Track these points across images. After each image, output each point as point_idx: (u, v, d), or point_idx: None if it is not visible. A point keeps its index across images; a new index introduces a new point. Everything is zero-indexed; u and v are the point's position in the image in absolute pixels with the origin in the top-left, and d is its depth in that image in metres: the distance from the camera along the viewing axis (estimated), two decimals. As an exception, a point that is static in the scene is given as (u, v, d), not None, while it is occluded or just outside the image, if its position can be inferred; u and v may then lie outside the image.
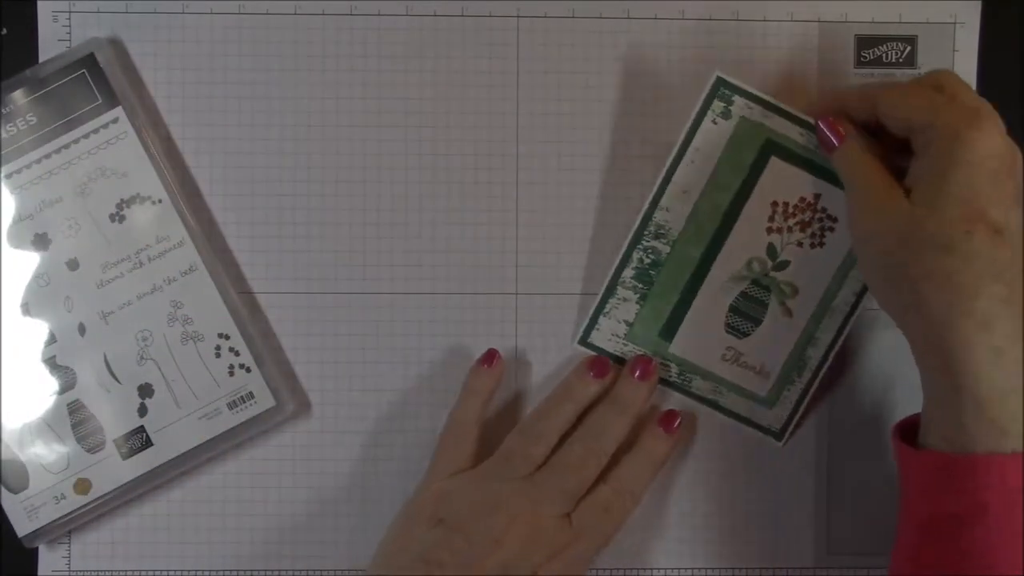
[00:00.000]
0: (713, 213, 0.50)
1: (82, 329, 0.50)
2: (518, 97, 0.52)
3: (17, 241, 0.49)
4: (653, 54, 0.52)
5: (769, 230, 0.50)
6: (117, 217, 0.50)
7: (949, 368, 0.41)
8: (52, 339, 0.50)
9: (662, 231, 0.50)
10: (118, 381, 0.50)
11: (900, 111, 0.44)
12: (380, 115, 0.52)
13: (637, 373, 0.49)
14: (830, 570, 0.52)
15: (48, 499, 0.49)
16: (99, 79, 0.49)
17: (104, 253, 0.50)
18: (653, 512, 0.52)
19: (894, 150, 0.46)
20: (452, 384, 0.52)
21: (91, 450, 0.50)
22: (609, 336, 0.51)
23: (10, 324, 0.49)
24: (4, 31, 0.51)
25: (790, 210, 0.50)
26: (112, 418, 0.50)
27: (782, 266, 0.50)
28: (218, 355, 0.50)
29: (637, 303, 0.50)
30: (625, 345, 0.51)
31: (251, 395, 0.50)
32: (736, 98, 0.49)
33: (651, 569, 0.52)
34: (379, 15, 0.51)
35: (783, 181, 0.49)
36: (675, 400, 0.51)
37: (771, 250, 0.50)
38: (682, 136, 0.50)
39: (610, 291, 0.50)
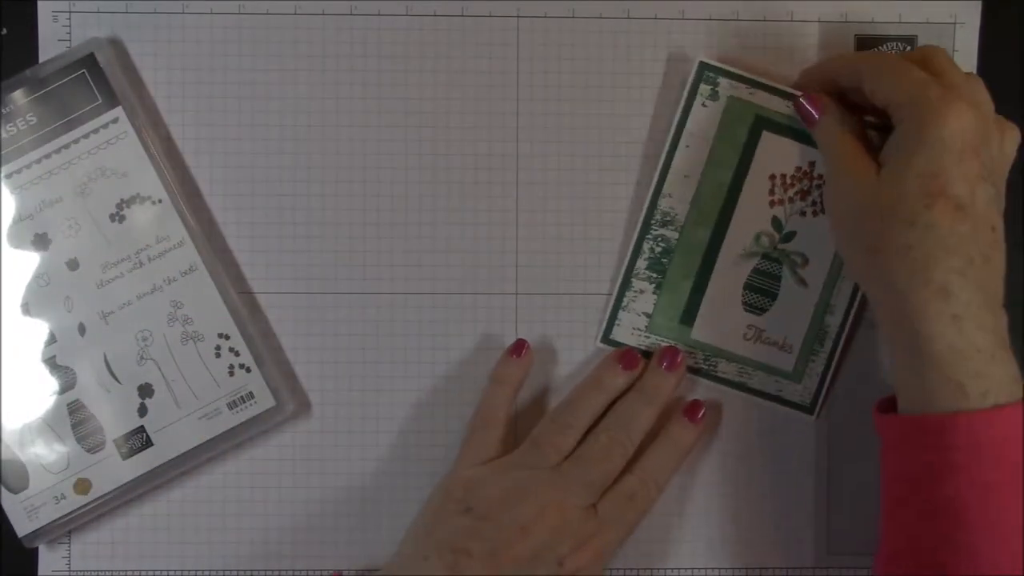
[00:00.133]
0: (715, 193, 0.51)
1: (82, 329, 0.50)
2: (518, 97, 0.52)
3: (17, 241, 0.49)
4: (653, 54, 0.52)
5: (771, 203, 0.51)
6: (117, 217, 0.50)
7: (909, 333, 0.43)
8: (52, 339, 0.50)
9: (668, 218, 0.51)
10: (118, 381, 0.50)
11: (881, 86, 0.45)
12: (380, 115, 0.52)
13: (665, 364, 0.50)
14: (830, 570, 0.52)
15: (48, 499, 0.49)
16: (99, 79, 0.49)
17: (104, 253, 0.50)
18: (652, 512, 0.52)
19: (877, 121, 0.47)
20: (452, 383, 0.52)
21: (91, 450, 0.50)
22: (631, 330, 0.51)
23: (10, 324, 0.49)
24: (4, 31, 0.51)
25: (788, 181, 0.51)
26: (112, 418, 0.50)
27: (789, 237, 0.51)
28: (218, 355, 0.50)
29: (654, 293, 0.51)
30: (648, 337, 0.51)
31: (251, 395, 0.50)
32: (721, 79, 0.50)
33: (651, 569, 0.52)
34: (379, 15, 0.51)
35: (777, 154, 0.51)
36: (702, 387, 0.51)
37: (776, 223, 0.51)
38: (675, 121, 0.51)
39: (626, 284, 0.51)
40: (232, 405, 0.50)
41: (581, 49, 0.52)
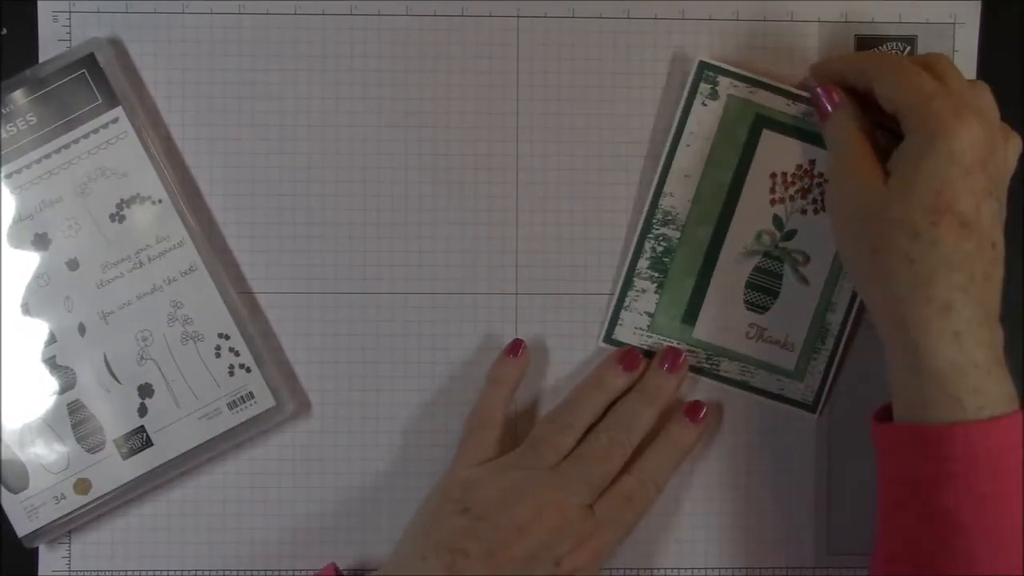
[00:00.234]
0: (716, 192, 0.51)
1: (82, 329, 0.50)
2: (518, 97, 0.52)
3: (17, 241, 0.49)
4: (653, 54, 0.52)
5: (772, 201, 0.51)
6: (117, 217, 0.50)
7: (908, 344, 0.43)
8: (52, 339, 0.50)
9: (669, 217, 0.51)
10: (118, 381, 0.50)
11: (890, 92, 0.45)
12: (380, 115, 0.52)
13: (667, 365, 0.50)
14: (830, 570, 0.52)
15: (48, 499, 0.49)
16: (99, 79, 0.49)
17: (104, 253, 0.50)
18: (652, 512, 0.52)
19: (885, 124, 0.47)
20: (452, 383, 0.52)
21: (91, 450, 0.50)
22: (633, 330, 0.51)
23: (10, 324, 0.49)
24: (4, 31, 0.51)
25: (789, 179, 0.51)
26: (112, 418, 0.50)
27: (790, 235, 0.51)
28: (218, 355, 0.50)
29: (656, 292, 0.51)
30: (650, 336, 0.51)
31: (251, 395, 0.50)
32: (721, 79, 0.51)
33: (651, 569, 0.52)
34: (379, 15, 0.51)
35: (778, 152, 0.51)
36: (704, 386, 0.51)
37: (777, 221, 0.51)
38: (675, 121, 0.51)
39: (627, 284, 0.51)
40: (232, 405, 0.50)
41: (581, 49, 0.52)
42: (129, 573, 0.51)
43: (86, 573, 0.51)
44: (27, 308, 0.49)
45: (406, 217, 0.52)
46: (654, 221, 0.51)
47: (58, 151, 0.49)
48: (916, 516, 0.43)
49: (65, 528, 0.50)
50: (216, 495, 0.52)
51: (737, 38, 0.52)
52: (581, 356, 0.52)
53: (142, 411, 0.50)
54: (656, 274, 0.51)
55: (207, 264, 0.50)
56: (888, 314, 0.44)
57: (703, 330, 0.51)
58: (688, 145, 0.51)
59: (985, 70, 0.52)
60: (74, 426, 0.50)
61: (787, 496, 0.52)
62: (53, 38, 0.51)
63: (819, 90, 0.48)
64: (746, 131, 0.51)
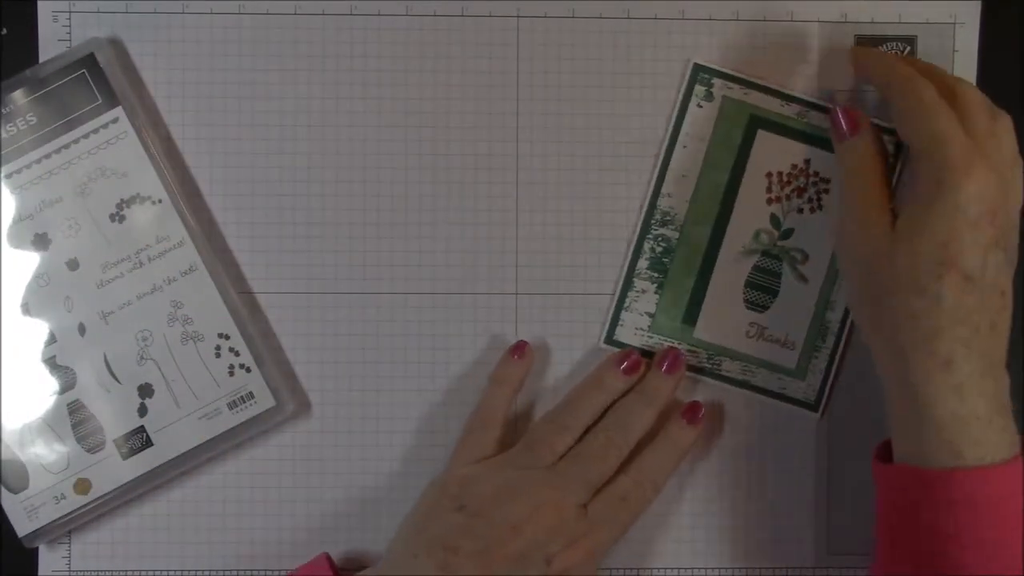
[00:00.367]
0: (713, 192, 0.51)
1: (82, 329, 0.50)
2: (518, 97, 0.52)
3: (17, 241, 0.49)
4: (653, 54, 0.52)
5: (769, 201, 0.51)
6: (117, 217, 0.50)
7: (910, 392, 0.43)
8: (52, 339, 0.50)
9: (668, 217, 0.51)
10: (118, 381, 0.50)
11: (907, 129, 0.44)
12: (380, 115, 0.52)
13: (666, 366, 0.50)
14: (830, 570, 0.52)
15: (48, 499, 0.49)
16: (99, 79, 0.49)
17: (104, 253, 0.50)
18: (652, 512, 0.52)
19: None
20: (452, 383, 0.52)
21: (91, 450, 0.50)
22: (634, 331, 0.51)
23: (10, 324, 0.49)
24: (4, 31, 0.51)
25: (784, 179, 0.51)
26: (112, 418, 0.50)
27: (788, 234, 0.51)
28: (218, 355, 0.50)
29: (656, 292, 0.51)
30: (651, 337, 0.51)
31: (251, 395, 0.50)
32: (715, 80, 0.51)
33: (651, 569, 0.52)
34: (379, 15, 0.51)
35: (773, 152, 0.51)
36: (705, 386, 0.51)
37: (774, 220, 0.51)
38: (671, 122, 0.51)
39: (627, 285, 0.51)
40: (232, 405, 0.50)
41: (581, 49, 0.52)
42: (129, 573, 0.51)
43: (86, 573, 0.51)
44: (27, 308, 0.49)
45: (406, 217, 0.52)
46: (653, 222, 0.51)
47: (58, 151, 0.49)
48: (916, 548, 0.43)
49: (65, 528, 0.50)
50: (216, 495, 0.52)
51: (737, 38, 0.52)
52: (581, 356, 0.52)
53: (142, 411, 0.50)
54: (656, 274, 0.51)
55: (207, 264, 0.50)
56: (890, 361, 0.44)
57: (704, 330, 0.51)
58: (684, 146, 0.51)
59: (985, 70, 0.52)
60: (74, 426, 0.50)
61: (787, 496, 0.52)
62: (53, 38, 0.51)
63: (840, 111, 0.48)
64: (741, 132, 0.51)
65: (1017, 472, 0.42)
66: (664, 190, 0.51)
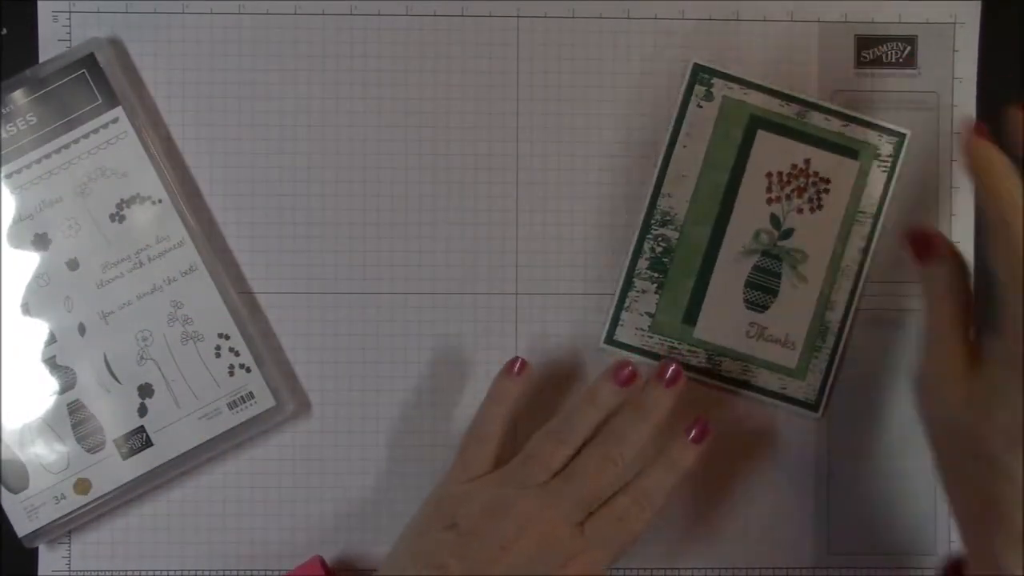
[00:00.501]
0: (713, 192, 0.51)
1: (82, 329, 0.50)
2: (518, 97, 0.52)
3: (17, 241, 0.49)
4: (653, 54, 0.52)
5: (769, 200, 0.51)
6: (117, 217, 0.50)
7: (988, 559, 0.41)
8: (52, 339, 0.50)
9: (668, 217, 0.51)
10: (118, 381, 0.50)
11: (996, 254, 0.42)
12: (380, 115, 0.52)
13: (664, 379, 0.48)
14: (830, 570, 0.52)
15: (48, 499, 0.49)
16: (99, 79, 0.49)
17: (104, 253, 0.50)
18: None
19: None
20: (452, 384, 0.52)
21: (91, 450, 0.50)
22: (634, 331, 0.51)
23: (10, 324, 0.49)
24: (4, 31, 0.51)
25: (784, 179, 0.51)
26: (112, 418, 0.50)
27: (787, 234, 0.51)
28: (218, 355, 0.50)
29: (656, 293, 0.51)
30: (651, 337, 0.51)
31: (251, 395, 0.50)
32: (716, 80, 0.51)
33: (650, 569, 0.52)
34: (379, 15, 0.52)
35: (773, 152, 0.51)
36: (706, 387, 0.51)
37: (774, 220, 0.51)
38: (671, 122, 0.51)
39: (628, 285, 0.51)
40: (232, 405, 0.50)
41: (581, 49, 0.52)
42: (129, 573, 0.51)
43: (86, 573, 0.51)
44: (27, 308, 0.49)
45: (406, 217, 0.52)
46: (653, 222, 0.51)
47: (58, 151, 0.49)
48: None
49: (65, 528, 0.50)
50: (216, 495, 0.52)
51: (737, 38, 0.52)
52: (582, 356, 0.52)
53: (142, 411, 0.50)
54: (656, 274, 0.51)
55: (207, 264, 0.50)
56: (964, 518, 0.43)
57: (704, 330, 0.51)
58: (684, 146, 0.51)
59: (985, 70, 0.52)
60: (74, 426, 0.50)
61: (787, 496, 0.52)
62: (53, 38, 0.51)
63: (913, 233, 0.45)
64: (741, 131, 0.51)
65: None
66: (664, 190, 0.51)
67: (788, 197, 0.51)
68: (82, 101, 0.49)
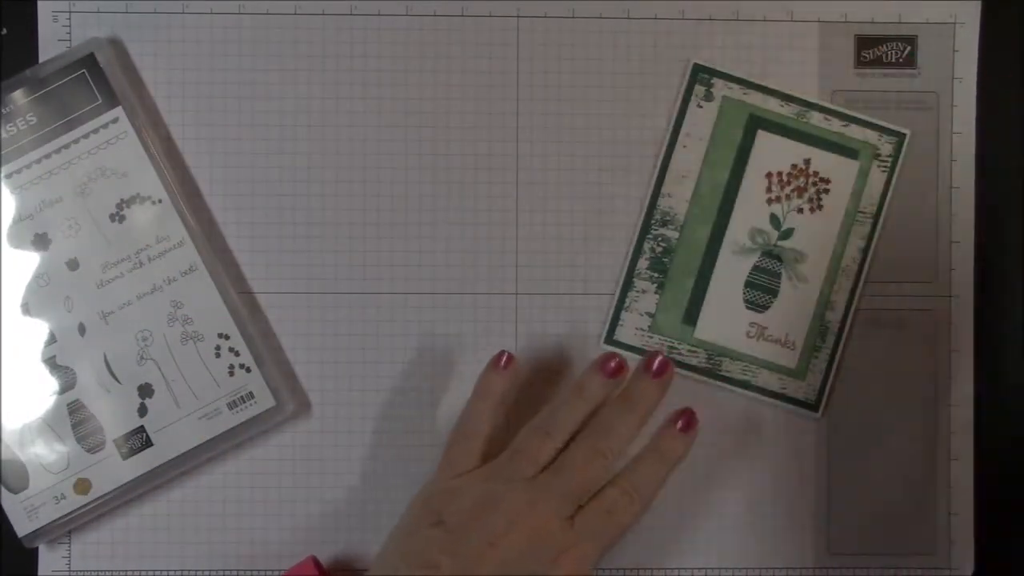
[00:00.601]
0: (713, 192, 0.51)
1: (82, 329, 0.50)
2: (518, 97, 0.52)
3: (17, 241, 0.49)
4: (653, 54, 0.52)
5: (769, 201, 0.51)
6: (117, 217, 0.50)
7: None
8: (52, 339, 0.50)
9: (668, 217, 0.51)
10: (118, 381, 0.50)
11: None
12: (380, 115, 0.52)
13: (651, 371, 0.48)
14: (830, 570, 0.52)
15: (48, 499, 0.49)
16: (99, 79, 0.49)
17: (104, 253, 0.50)
18: (652, 512, 0.52)
19: None
20: (452, 384, 0.52)
21: (91, 450, 0.50)
22: (634, 331, 0.51)
23: (10, 324, 0.49)
24: (4, 31, 0.51)
25: (784, 179, 0.51)
26: (112, 418, 0.50)
27: (787, 234, 0.51)
28: (218, 355, 0.50)
29: (656, 293, 0.51)
30: (651, 337, 0.51)
31: (251, 395, 0.50)
32: (715, 80, 0.51)
33: (651, 569, 0.52)
34: (379, 15, 0.52)
35: (773, 152, 0.51)
36: (706, 387, 0.51)
37: (774, 220, 0.51)
38: (671, 122, 0.51)
39: (628, 285, 0.51)
40: (232, 405, 0.50)
41: (581, 49, 0.52)
42: (129, 573, 0.51)
43: (86, 573, 0.51)
44: (27, 308, 0.49)
45: (406, 217, 0.52)
46: (653, 222, 0.51)
47: (58, 151, 0.49)
48: None
49: (65, 528, 0.50)
50: (216, 495, 0.52)
51: (737, 38, 0.52)
52: (582, 356, 0.52)
53: (142, 411, 0.50)
54: (656, 274, 0.51)
55: (207, 264, 0.50)
56: None
57: (704, 330, 0.51)
58: (684, 146, 0.51)
59: (985, 70, 0.52)
60: (74, 426, 0.50)
61: (787, 496, 0.52)
62: (53, 38, 0.51)
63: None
64: (741, 132, 0.51)
65: None
66: (664, 190, 0.51)
67: (788, 197, 0.51)
68: (82, 101, 0.49)
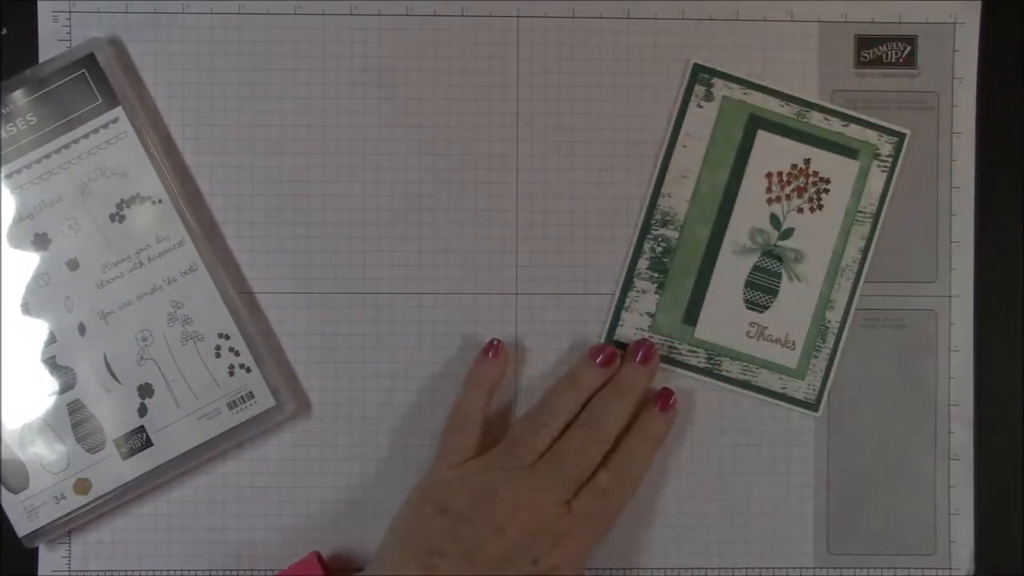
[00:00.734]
0: (713, 192, 0.51)
1: (82, 329, 0.50)
2: (518, 97, 0.52)
3: (17, 241, 0.49)
4: (653, 54, 0.52)
5: (769, 201, 0.51)
6: (117, 217, 0.50)
7: None
8: (52, 339, 0.50)
9: (668, 217, 0.51)
10: (118, 381, 0.50)
11: None
12: (380, 115, 0.52)
13: (639, 358, 0.50)
14: (830, 570, 0.52)
15: (48, 499, 0.49)
16: (99, 79, 0.49)
17: (104, 253, 0.50)
18: (652, 512, 0.52)
19: None
20: (452, 384, 0.52)
21: (91, 450, 0.50)
22: (634, 331, 0.51)
23: (10, 324, 0.49)
24: (4, 31, 0.51)
25: (784, 179, 0.51)
26: (112, 418, 0.50)
27: (788, 234, 0.51)
28: (218, 355, 0.50)
29: (656, 292, 0.51)
30: (651, 337, 0.51)
31: (251, 395, 0.50)
32: (715, 80, 0.51)
33: (650, 569, 0.52)
34: (379, 15, 0.51)
35: (773, 152, 0.51)
36: (706, 386, 0.51)
37: (774, 220, 0.51)
38: (671, 122, 0.51)
39: (628, 284, 0.51)
40: (232, 405, 0.50)
41: (581, 49, 0.52)
42: (129, 573, 0.51)
43: (86, 573, 0.51)
44: (27, 308, 0.49)
45: (406, 217, 0.52)
46: (653, 222, 0.51)
47: (58, 151, 0.49)
48: None
49: (65, 528, 0.50)
50: (216, 495, 0.52)
51: (737, 38, 0.52)
52: (579, 355, 0.52)
53: (142, 411, 0.50)
54: (656, 274, 0.51)
55: (207, 264, 0.50)
56: None
57: (704, 330, 0.51)
58: (684, 146, 0.51)
59: (985, 70, 0.52)
60: (74, 426, 0.50)
61: (787, 496, 0.52)
62: (53, 38, 0.51)
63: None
64: (741, 131, 0.51)
65: None
66: (664, 190, 0.51)
67: (788, 197, 0.51)
68: (82, 101, 0.49)
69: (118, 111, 0.49)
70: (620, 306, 0.51)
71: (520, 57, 0.52)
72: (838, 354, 0.51)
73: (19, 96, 0.49)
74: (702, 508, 0.52)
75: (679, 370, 0.52)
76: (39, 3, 0.51)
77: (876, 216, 0.51)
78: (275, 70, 0.51)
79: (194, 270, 0.50)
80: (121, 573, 0.51)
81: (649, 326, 0.51)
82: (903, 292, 0.52)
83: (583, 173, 0.52)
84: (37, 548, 0.51)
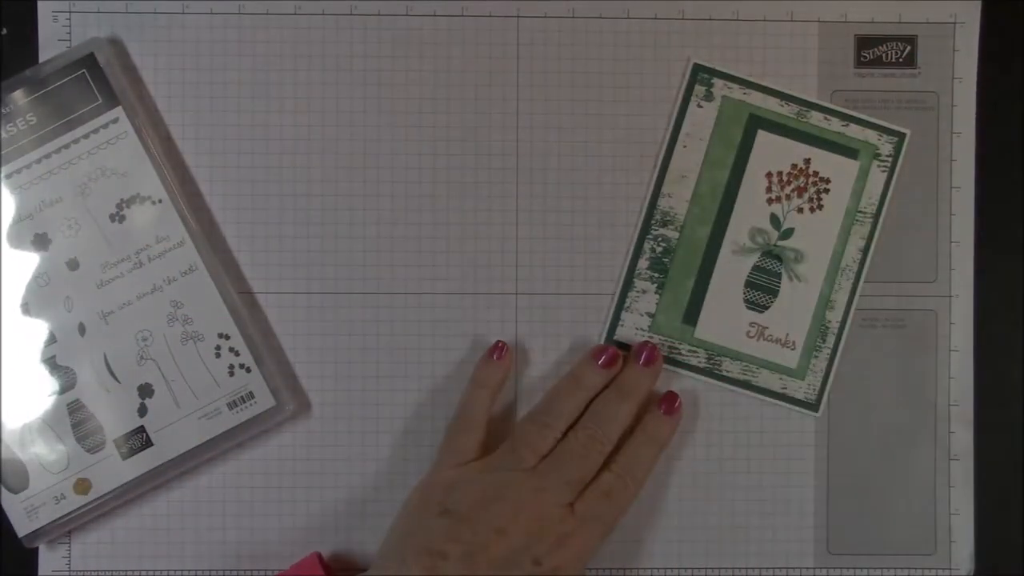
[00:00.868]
0: (713, 192, 0.51)
1: (82, 329, 0.50)
2: (518, 97, 0.52)
3: (17, 241, 0.49)
4: (653, 54, 0.52)
5: (769, 201, 0.51)
6: (117, 217, 0.50)
7: None
8: (52, 339, 0.50)
9: (668, 217, 0.51)
10: (118, 381, 0.50)
11: None
12: (380, 115, 0.52)
13: (642, 360, 0.50)
14: (830, 570, 0.52)
15: (48, 499, 0.49)
16: (99, 79, 0.49)
17: (104, 253, 0.50)
18: (652, 512, 0.52)
19: None
20: (452, 383, 0.52)
21: (91, 450, 0.50)
22: (634, 331, 0.51)
23: (10, 324, 0.49)
24: (4, 31, 0.51)
25: (784, 178, 0.51)
26: (112, 418, 0.50)
27: (788, 234, 0.51)
28: (218, 355, 0.50)
29: (656, 293, 0.51)
30: (651, 337, 0.51)
31: (251, 395, 0.50)
32: (715, 80, 0.51)
33: (650, 569, 0.52)
34: (379, 15, 0.51)
35: (773, 152, 0.51)
36: (706, 386, 0.51)
37: (774, 220, 0.51)
38: (671, 122, 0.51)
39: (628, 285, 0.51)
40: (232, 405, 0.50)
41: (581, 49, 0.52)
42: (129, 573, 0.51)
43: (86, 573, 0.51)
44: (27, 308, 0.49)
45: (406, 217, 0.52)
46: (653, 222, 0.51)
47: (58, 151, 0.49)
48: None
49: (65, 528, 0.50)
50: (216, 495, 0.52)
51: (737, 38, 0.52)
52: (581, 356, 0.52)
53: (142, 411, 0.50)
54: (656, 274, 0.51)
55: (207, 264, 0.50)
56: None
57: (704, 330, 0.51)
58: (684, 146, 0.51)
59: (985, 70, 0.52)
60: (74, 426, 0.50)
61: (787, 496, 0.52)
62: (53, 38, 0.51)
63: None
64: (741, 131, 0.51)
65: None
66: (664, 190, 0.51)
67: (788, 197, 0.51)
68: (82, 101, 0.49)
69: (118, 111, 0.49)
70: (620, 306, 0.51)
71: (520, 57, 0.52)
72: (838, 354, 0.51)
73: (19, 96, 0.49)
74: (702, 508, 0.52)
75: (679, 370, 0.52)
76: (39, 3, 0.51)
77: (876, 216, 0.51)
78: (275, 70, 0.51)
79: (194, 270, 0.50)
80: (121, 573, 0.51)
81: (649, 326, 0.51)
82: (903, 292, 0.52)
83: (583, 173, 0.52)
84: (37, 548, 0.51)
